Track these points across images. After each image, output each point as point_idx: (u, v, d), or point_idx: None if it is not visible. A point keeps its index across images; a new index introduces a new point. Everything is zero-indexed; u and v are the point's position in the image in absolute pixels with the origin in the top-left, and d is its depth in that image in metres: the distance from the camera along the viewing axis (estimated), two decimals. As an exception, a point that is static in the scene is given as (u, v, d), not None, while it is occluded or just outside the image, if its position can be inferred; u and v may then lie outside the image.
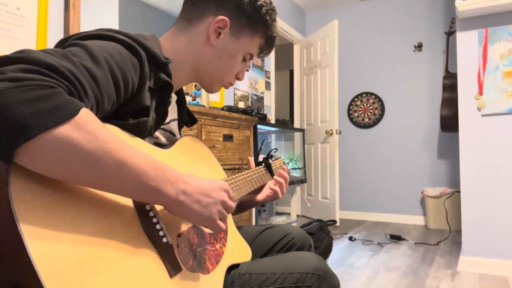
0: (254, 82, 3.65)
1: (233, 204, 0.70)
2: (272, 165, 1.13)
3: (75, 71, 0.50)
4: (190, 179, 0.62)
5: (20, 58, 0.46)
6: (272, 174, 1.12)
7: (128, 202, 0.58)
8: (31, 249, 0.41)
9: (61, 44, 0.63)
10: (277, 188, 1.07)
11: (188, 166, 0.80)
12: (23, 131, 0.41)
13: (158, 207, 0.63)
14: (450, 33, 3.64)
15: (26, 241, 0.41)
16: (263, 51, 0.90)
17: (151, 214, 0.61)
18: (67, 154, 0.45)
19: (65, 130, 0.44)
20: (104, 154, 0.48)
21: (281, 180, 1.08)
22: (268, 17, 0.84)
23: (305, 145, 4.36)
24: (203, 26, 0.80)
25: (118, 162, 0.49)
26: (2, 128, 0.40)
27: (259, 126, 2.94)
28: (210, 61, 0.82)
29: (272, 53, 4.04)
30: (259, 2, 0.82)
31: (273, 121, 3.92)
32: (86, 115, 0.47)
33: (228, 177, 0.91)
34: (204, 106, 2.45)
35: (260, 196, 1.08)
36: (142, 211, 0.60)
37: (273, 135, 4.18)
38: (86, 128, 0.46)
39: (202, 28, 0.81)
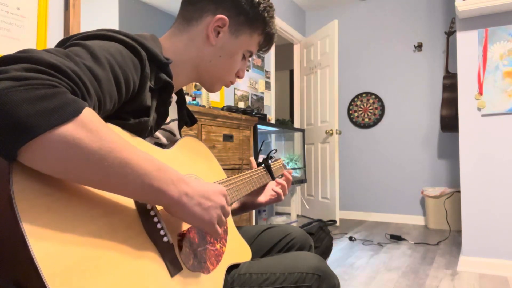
0: (254, 82, 3.66)
1: (229, 210, 0.71)
2: (272, 166, 1.14)
3: (78, 70, 0.50)
4: (191, 181, 0.62)
5: (24, 58, 0.46)
6: (271, 175, 1.12)
7: (129, 201, 0.58)
8: (34, 247, 0.41)
9: (62, 44, 0.63)
10: (279, 190, 1.08)
11: (188, 166, 0.80)
12: (26, 130, 0.41)
13: (159, 207, 0.64)
14: (450, 33, 3.64)
15: (28, 239, 0.41)
16: (262, 48, 0.90)
17: (152, 213, 0.61)
18: (70, 153, 0.45)
19: (68, 129, 0.44)
20: (108, 153, 0.48)
21: (284, 182, 1.10)
22: (266, 14, 0.84)
23: (305, 145, 4.36)
24: (202, 25, 0.81)
25: (122, 161, 0.49)
26: (6, 127, 0.40)
27: (259, 126, 2.94)
28: (210, 60, 0.83)
29: (272, 53, 4.04)
30: (257, 0, 0.83)
31: (273, 121, 3.92)
32: (89, 115, 0.47)
33: (228, 177, 0.91)
34: (204, 106, 2.45)
35: (262, 198, 1.09)
36: (143, 211, 0.60)
37: (273, 135, 4.18)
38: (90, 127, 0.46)
39: (202, 28, 0.81)
